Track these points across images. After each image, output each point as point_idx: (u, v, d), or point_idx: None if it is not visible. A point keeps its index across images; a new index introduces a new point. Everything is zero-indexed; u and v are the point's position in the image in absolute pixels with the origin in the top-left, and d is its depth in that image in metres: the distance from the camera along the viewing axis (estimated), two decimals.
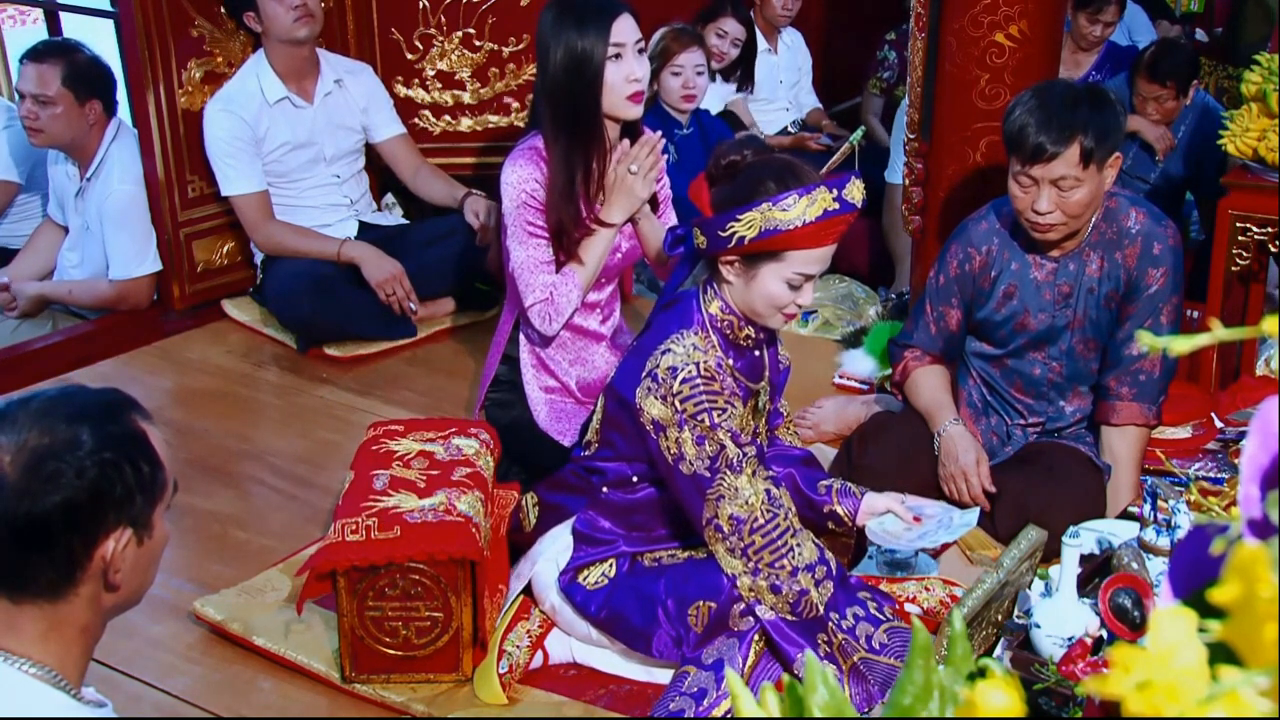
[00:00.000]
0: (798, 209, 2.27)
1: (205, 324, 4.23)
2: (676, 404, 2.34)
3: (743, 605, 2.40)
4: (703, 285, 2.47)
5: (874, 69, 5.52)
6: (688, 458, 2.35)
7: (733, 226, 2.30)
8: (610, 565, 2.56)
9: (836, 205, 2.30)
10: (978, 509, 2.69)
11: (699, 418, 2.33)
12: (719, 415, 2.33)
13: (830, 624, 2.36)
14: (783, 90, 5.32)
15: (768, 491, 2.35)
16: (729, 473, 2.33)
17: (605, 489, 2.55)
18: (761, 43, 5.19)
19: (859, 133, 4.67)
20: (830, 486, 2.63)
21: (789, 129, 5.26)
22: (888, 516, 2.56)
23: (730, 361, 2.43)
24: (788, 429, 2.77)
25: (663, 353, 2.38)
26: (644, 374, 2.38)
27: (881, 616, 2.40)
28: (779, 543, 2.34)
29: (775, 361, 2.62)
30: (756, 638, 2.39)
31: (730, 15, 4.78)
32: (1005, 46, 3.29)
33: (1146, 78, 4.43)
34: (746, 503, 2.33)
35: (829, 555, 2.43)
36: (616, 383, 2.49)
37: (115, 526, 1.44)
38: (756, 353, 2.51)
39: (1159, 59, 4.46)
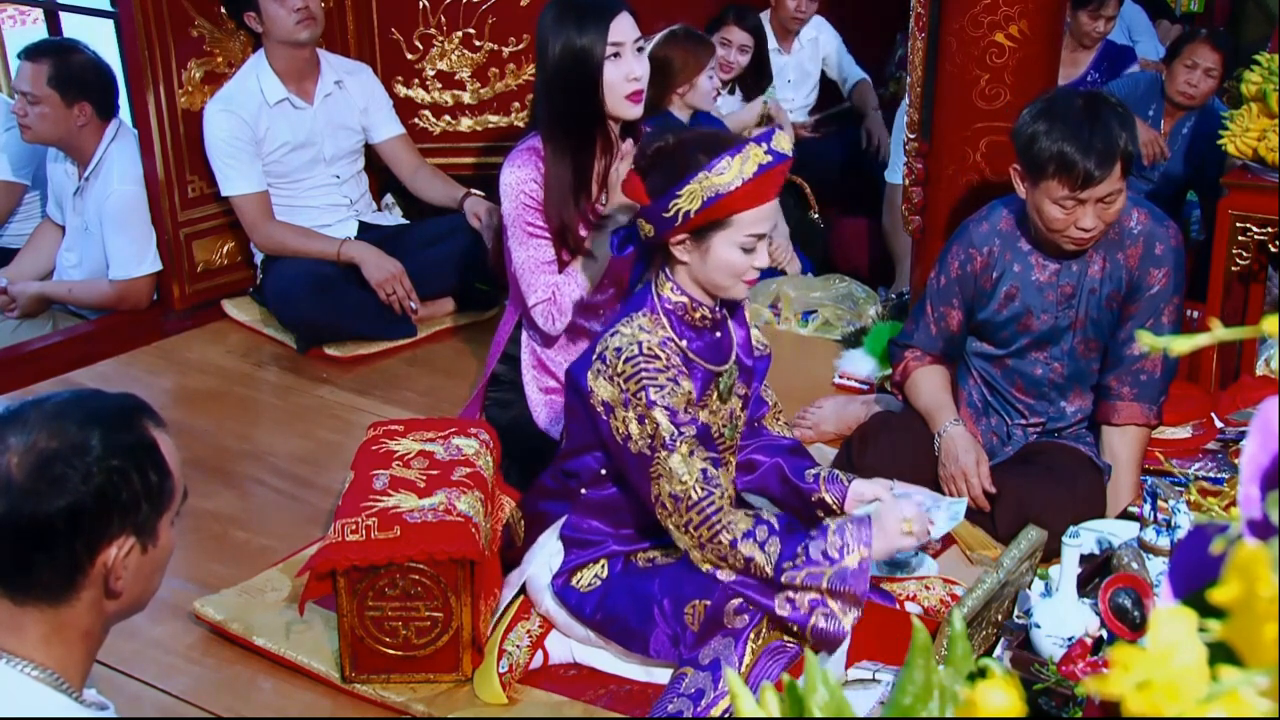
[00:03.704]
0: (733, 170, 2.30)
1: (205, 324, 4.23)
2: (621, 383, 2.37)
3: (737, 602, 2.40)
4: (655, 272, 2.49)
5: (899, 66, 5.47)
6: (633, 436, 2.38)
7: (675, 204, 2.33)
8: (602, 566, 2.56)
9: (769, 158, 2.33)
10: (965, 499, 2.70)
11: (638, 395, 2.36)
12: (656, 392, 2.36)
13: (785, 576, 2.34)
14: (790, 89, 5.32)
15: (704, 471, 2.37)
16: (664, 451, 2.36)
17: (584, 490, 2.56)
18: (772, 42, 5.19)
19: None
20: (818, 474, 2.64)
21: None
22: (874, 505, 2.57)
23: (684, 343, 2.45)
24: (776, 419, 2.77)
25: (611, 334, 2.42)
26: (594, 356, 2.42)
27: (821, 535, 2.37)
28: (714, 519, 2.37)
29: (746, 345, 2.62)
30: (753, 636, 2.40)
31: (734, 24, 4.77)
32: (1005, 46, 3.29)
33: (1211, 45, 4.49)
34: (682, 481, 2.36)
35: (765, 515, 2.43)
36: (572, 369, 2.51)
37: (119, 533, 1.44)
38: (716, 334, 2.52)
39: (1213, 30, 4.70)
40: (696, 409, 2.44)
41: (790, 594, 2.37)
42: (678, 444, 2.35)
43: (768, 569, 2.35)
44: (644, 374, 2.35)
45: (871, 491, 2.58)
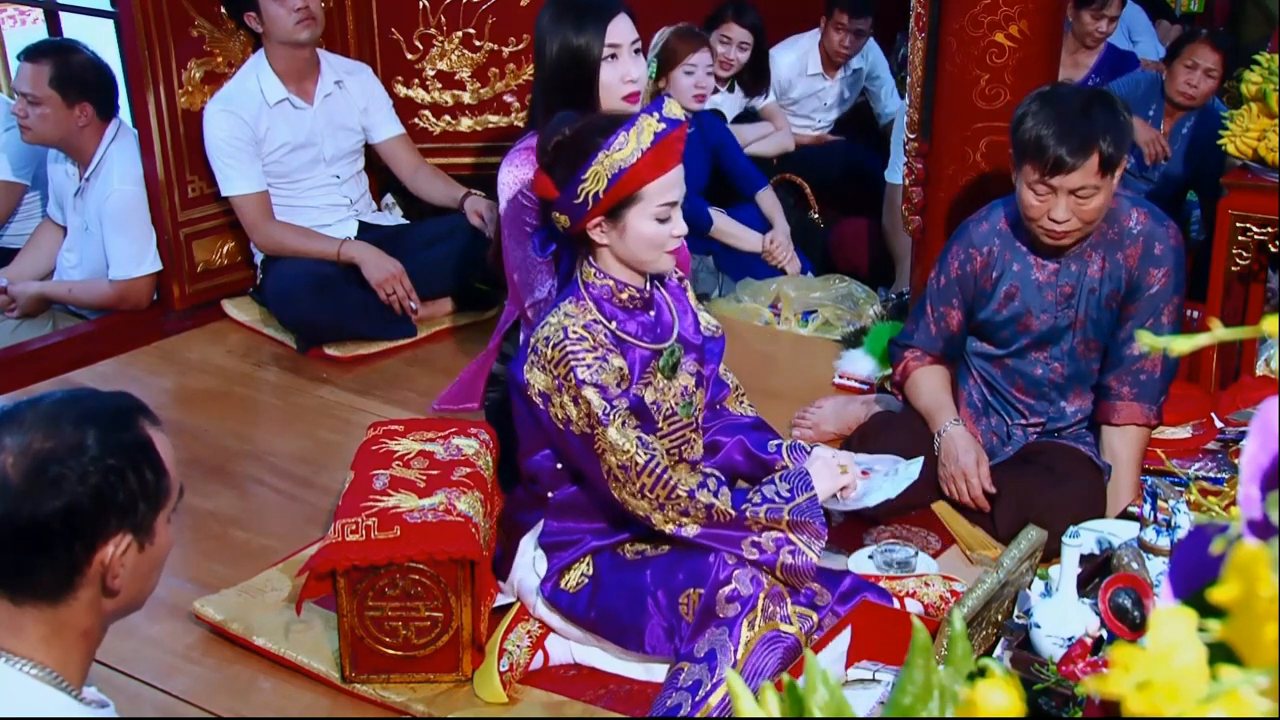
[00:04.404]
0: (631, 143, 2.38)
1: (205, 324, 4.23)
2: (552, 369, 2.43)
3: (729, 589, 2.42)
4: (579, 263, 2.54)
5: (899, 66, 5.49)
6: (573, 419, 2.43)
7: (582, 188, 2.40)
8: (587, 564, 2.58)
9: (663, 125, 2.41)
10: (921, 459, 2.73)
11: (568, 377, 2.41)
12: (584, 371, 2.41)
13: (748, 514, 2.45)
14: (821, 112, 5.33)
15: (639, 437, 2.43)
16: (600, 427, 2.41)
17: (550, 494, 2.59)
18: (815, 66, 5.20)
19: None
20: (780, 445, 2.68)
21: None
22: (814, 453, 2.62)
23: (614, 324, 2.50)
24: (739, 401, 2.80)
25: (541, 326, 2.48)
26: (529, 351, 2.48)
27: (767, 484, 2.50)
28: (665, 477, 2.43)
29: (693, 325, 2.66)
30: (746, 624, 2.41)
31: (733, 21, 4.77)
32: (1005, 46, 3.29)
33: (1211, 45, 4.48)
34: (624, 450, 2.41)
35: (706, 469, 2.55)
36: (511, 367, 2.56)
37: (116, 532, 1.44)
38: (650, 313, 2.56)
39: (1213, 30, 4.70)
40: (639, 386, 2.50)
41: (755, 538, 2.46)
42: (611, 417, 2.41)
43: (730, 510, 2.44)
44: (571, 356, 2.41)
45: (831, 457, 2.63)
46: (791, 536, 2.46)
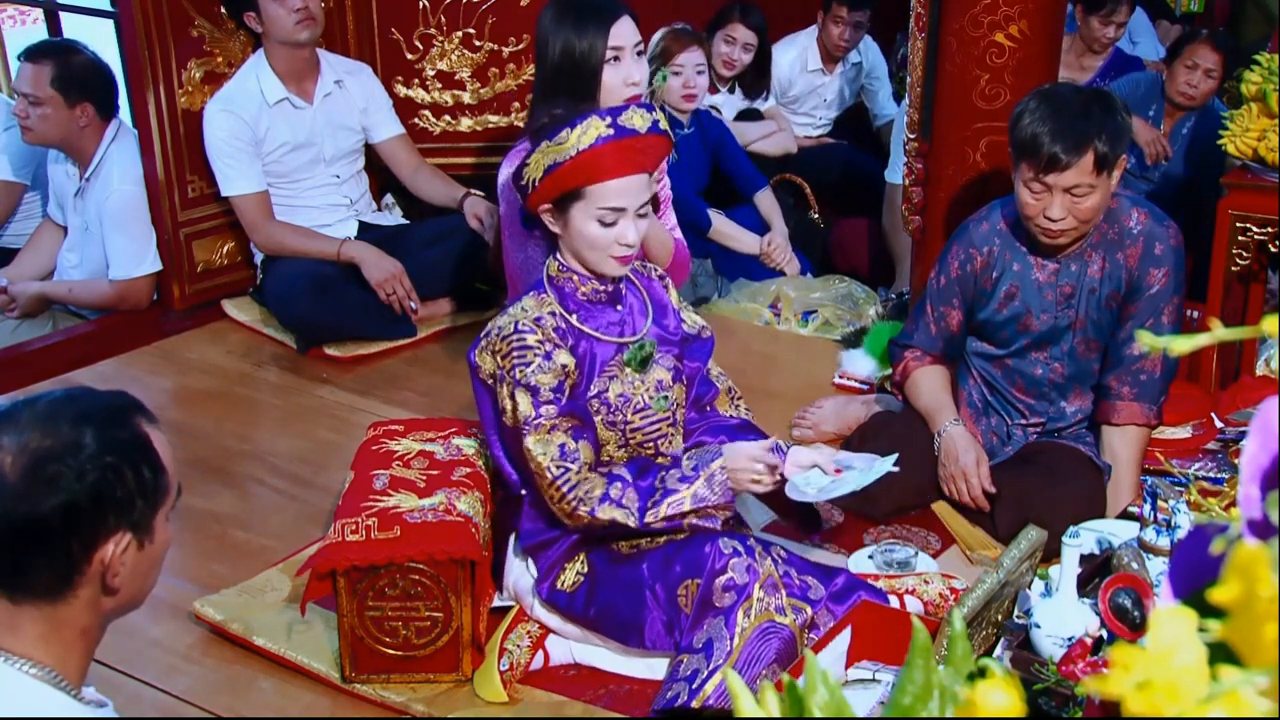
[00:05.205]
0: (571, 139, 2.38)
1: (205, 324, 4.23)
2: (499, 360, 2.46)
3: (725, 579, 2.43)
4: (549, 257, 2.57)
5: (899, 66, 5.48)
6: (507, 411, 2.47)
7: (526, 172, 2.43)
8: (581, 561, 2.58)
9: (610, 131, 2.38)
10: (896, 454, 2.71)
11: (511, 373, 2.44)
12: (522, 371, 2.43)
13: (649, 518, 2.44)
14: (822, 109, 5.32)
15: (561, 446, 2.44)
16: (521, 432, 2.44)
17: (523, 490, 2.59)
18: (814, 62, 5.19)
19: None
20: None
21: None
22: (813, 471, 2.59)
23: (574, 317, 2.51)
24: (731, 404, 2.79)
25: (500, 314, 2.51)
26: (483, 335, 2.51)
27: (675, 464, 2.51)
28: (569, 496, 2.44)
29: (674, 322, 2.66)
30: (741, 614, 2.41)
31: (739, 21, 4.75)
32: (1005, 46, 3.29)
33: (1211, 46, 4.49)
34: (537, 460, 2.44)
35: (617, 470, 2.51)
36: (467, 353, 2.59)
37: (115, 530, 1.44)
38: (617, 307, 2.57)
39: (1213, 30, 4.71)
40: (602, 380, 2.51)
41: (662, 525, 2.47)
42: (531, 427, 2.42)
43: (631, 522, 2.44)
44: (515, 352, 2.44)
45: (809, 458, 2.61)
46: (698, 523, 2.48)
